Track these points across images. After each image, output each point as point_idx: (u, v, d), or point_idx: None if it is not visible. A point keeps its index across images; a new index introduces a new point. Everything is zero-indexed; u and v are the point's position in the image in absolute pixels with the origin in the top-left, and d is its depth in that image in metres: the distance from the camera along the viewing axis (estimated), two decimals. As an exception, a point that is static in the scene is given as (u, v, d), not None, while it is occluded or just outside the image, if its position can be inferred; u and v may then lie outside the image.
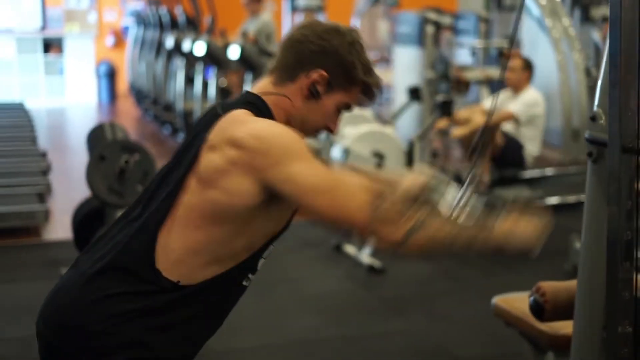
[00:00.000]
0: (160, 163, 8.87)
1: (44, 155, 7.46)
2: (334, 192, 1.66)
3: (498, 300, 2.98)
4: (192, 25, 8.98)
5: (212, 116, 1.76)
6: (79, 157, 9.06)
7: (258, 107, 1.78)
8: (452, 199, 1.88)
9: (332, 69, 1.79)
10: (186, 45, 7.87)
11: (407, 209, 1.68)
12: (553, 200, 6.00)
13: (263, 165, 1.65)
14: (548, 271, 4.49)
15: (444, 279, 5.00)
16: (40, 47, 13.70)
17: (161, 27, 9.76)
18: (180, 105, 8.43)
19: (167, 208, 1.71)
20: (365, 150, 5.19)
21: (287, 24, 14.73)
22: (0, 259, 5.27)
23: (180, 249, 1.69)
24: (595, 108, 2.06)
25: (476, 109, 6.05)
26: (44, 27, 13.89)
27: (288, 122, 1.80)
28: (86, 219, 4.64)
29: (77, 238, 4.65)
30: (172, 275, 1.68)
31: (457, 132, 5.57)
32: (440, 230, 1.70)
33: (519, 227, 1.76)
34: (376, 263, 5.05)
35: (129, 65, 12.67)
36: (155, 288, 1.68)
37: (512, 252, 1.77)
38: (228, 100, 1.85)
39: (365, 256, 5.14)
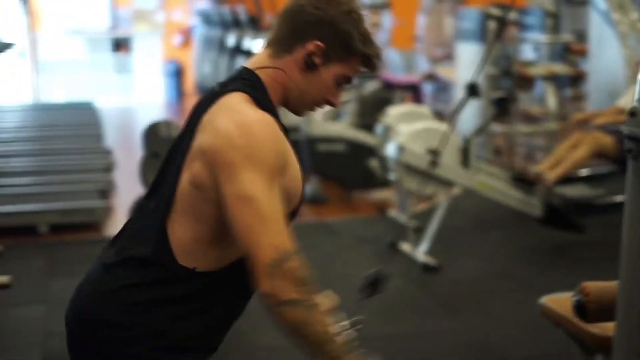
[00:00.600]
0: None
1: (108, 152, 7.58)
2: (262, 216, 1.60)
3: (546, 299, 2.91)
4: (254, 24, 9.02)
5: (211, 97, 1.73)
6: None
7: (252, 84, 1.73)
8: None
9: (329, 40, 1.74)
10: (246, 44, 7.90)
11: (308, 283, 1.65)
12: (618, 198, 5.86)
13: (222, 160, 1.61)
14: (609, 271, 4.39)
15: (499, 278, 4.92)
16: (110, 46, 13.95)
17: (225, 25, 9.83)
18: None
19: (170, 198, 1.71)
20: (420, 147, 5.13)
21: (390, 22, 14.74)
22: (61, 254, 5.37)
23: (189, 239, 1.69)
24: (635, 103, 1.99)
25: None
26: (113, 27, 14.14)
27: (285, 96, 1.77)
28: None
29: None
30: (187, 263, 1.68)
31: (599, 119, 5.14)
32: (319, 325, 1.67)
33: None
34: (431, 261, 5.00)
35: (195, 64, 12.80)
36: (172, 276, 1.68)
37: None
38: (227, 79, 1.80)
39: (420, 254, 5.10)
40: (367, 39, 1.77)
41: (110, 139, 9.46)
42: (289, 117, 6.05)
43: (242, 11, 9.17)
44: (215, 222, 1.66)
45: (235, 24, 9.11)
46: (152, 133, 4.93)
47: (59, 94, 13.54)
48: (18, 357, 3.93)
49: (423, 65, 11.11)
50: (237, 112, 1.65)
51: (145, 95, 13.92)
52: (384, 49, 13.76)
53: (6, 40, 11.35)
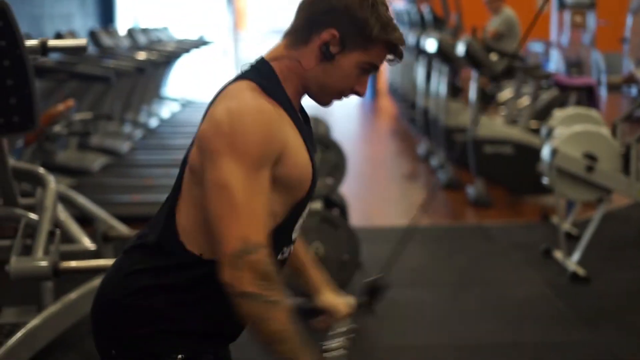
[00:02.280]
0: (394, 162, 8.91)
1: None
2: (233, 205, 1.59)
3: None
4: (438, 24, 8.94)
5: (223, 87, 1.74)
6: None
7: (262, 73, 1.72)
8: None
9: (344, 28, 1.69)
10: (423, 43, 7.87)
11: (270, 280, 1.61)
12: None
13: (209, 146, 1.62)
14: None
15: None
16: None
17: (412, 25, 9.81)
18: (420, 102, 8.43)
19: (178, 185, 1.74)
20: (576, 151, 4.89)
21: (554, 22, 14.27)
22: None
23: (192, 225, 1.70)
24: None
25: None
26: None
27: (305, 86, 1.74)
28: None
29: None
30: (194, 249, 1.70)
31: None
32: (276, 323, 1.61)
33: None
34: (581, 271, 4.76)
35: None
36: (179, 262, 1.70)
37: None
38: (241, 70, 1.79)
39: (571, 263, 4.87)
40: (385, 24, 1.71)
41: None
42: (459, 118, 5.96)
43: (427, 10, 9.12)
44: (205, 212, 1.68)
45: (422, 23, 9.06)
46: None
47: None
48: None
49: (629, 69, 10.57)
50: (233, 99, 1.65)
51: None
52: (587, 50, 13.28)
53: (209, 38, 11.94)
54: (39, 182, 3.74)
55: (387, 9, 1.74)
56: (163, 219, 1.74)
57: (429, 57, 7.90)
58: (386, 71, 13.33)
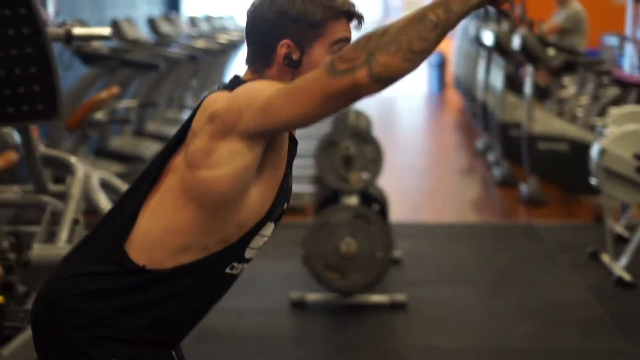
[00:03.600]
0: (451, 156, 8.79)
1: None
2: (295, 83, 1.58)
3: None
4: (504, 17, 8.74)
5: (201, 100, 1.70)
6: (396, 144, 9.33)
7: (240, 84, 1.68)
8: None
9: (291, 31, 1.65)
10: (482, 36, 7.71)
11: (352, 48, 1.51)
12: None
13: (235, 119, 1.59)
14: None
15: None
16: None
17: (479, 17, 9.63)
18: (480, 96, 8.27)
19: (148, 189, 1.69)
20: (627, 151, 4.71)
21: (630, 14, 13.84)
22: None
23: (150, 234, 1.66)
24: None
25: None
26: (384, 17, 14.39)
27: None
28: (325, 201, 4.72)
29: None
30: (139, 259, 1.66)
31: None
32: (395, 38, 1.50)
33: None
34: (627, 276, 4.58)
35: (455, 56, 12.69)
36: (122, 270, 1.66)
37: None
38: (220, 85, 1.76)
39: (617, 267, 4.69)
40: (323, 1, 1.66)
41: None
42: (511, 113, 5.80)
43: (490, 2, 8.93)
44: (205, 211, 1.64)
45: (484, 14, 8.88)
46: (341, 120, 4.95)
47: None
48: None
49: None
50: (216, 98, 1.65)
51: (408, 85, 14.02)
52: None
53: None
54: (68, 169, 3.75)
55: None
56: (120, 220, 1.69)
57: (488, 50, 7.73)
58: (452, 64, 13.15)
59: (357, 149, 4.36)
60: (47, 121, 3.34)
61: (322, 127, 6.55)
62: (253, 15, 1.70)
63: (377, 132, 10.24)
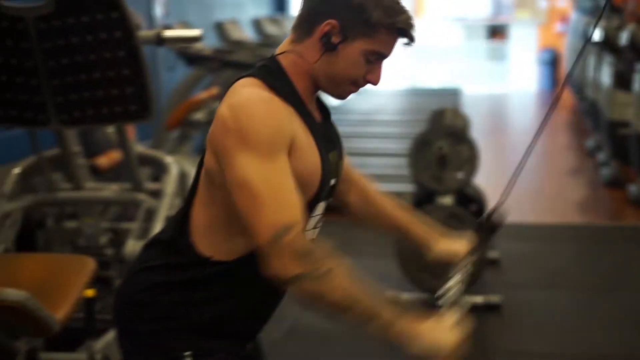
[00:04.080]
0: (559, 155, 8.55)
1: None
2: (256, 197, 1.54)
3: None
4: (616, 11, 8.47)
5: (229, 87, 1.70)
6: (503, 143, 9.20)
7: (269, 69, 1.66)
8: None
9: (343, 16, 1.61)
10: (592, 31, 7.48)
11: (311, 253, 1.54)
12: None
13: (220, 147, 1.58)
14: None
15: None
16: (485, 33, 14.00)
17: (587, 12, 9.37)
18: (590, 93, 8.04)
19: (194, 186, 1.72)
20: None
21: None
22: (356, 233, 5.54)
23: (204, 225, 1.68)
24: None
25: None
26: (494, 15, 14.16)
27: (315, 79, 1.68)
28: (421, 201, 4.68)
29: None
30: (203, 250, 1.68)
31: None
32: (336, 292, 1.54)
33: (432, 331, 1.60)
34: None
35: (567, 52, 12.38)
36: (189, 262, 1.68)
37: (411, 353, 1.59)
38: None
39: None
40: (389, 8, 1.62)
41: (476, 126, 9.53)
42: (621, 112, 5.63)
43: (603, -2, 8.67)
44: (226, 210, 1.64)
45: (595, 10, 8.63)
46: (438, 119, 4.90)
47: (433, 80, 13.90)
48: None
49: None
50: (235, 95, 1.61)
51: (519, 83, 13.77)
52: None
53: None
54: (162, 168, 3.85)
55: None
56: (179, 217, 1.73)
57: (597, 47, 7.51)
58: (565, 60, 12.83)
59: (452, 148, 4.30)
60: (139, 122, 3.41)
61: (418, 127, 6.52)
62: None
63: (485, 130, 10.19)
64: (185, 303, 1.69)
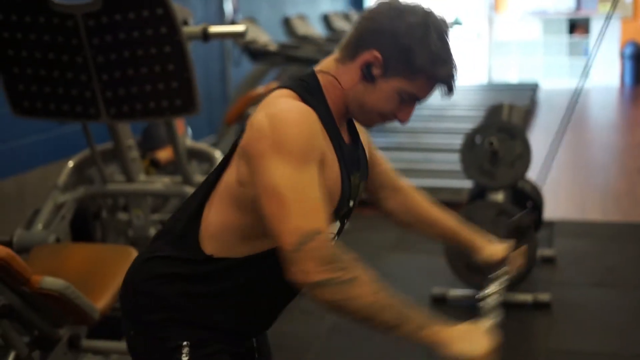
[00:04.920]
0: (636, 153, 8.33)
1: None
2: (284, 203, 1.55)
3: None
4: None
5: (265, 96, 1.73)
6: (580, 140, 9.03)
7: (306, 84, 1.69)
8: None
9: (389, 52, 1.63)
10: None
11: (336, 260, 1.55)
12: None
13: (253, 152, 1.60)
14: None
15: None
16: (565, 28, 13.73)
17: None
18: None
19: (214, 182, 1.74)
20: None
21: None
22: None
23: (217, 224, 1.71)
24: None
25: None
26: (576, 8, 13.87)
27: (346, 104, 1.70)
28: (475, 197, 4.65)
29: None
30: (206, 248, 1.71)
31: None
32: (360, 299, 1.55)
33: (464, 337, 1.59)
34: None
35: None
36: (193, 257, 1.72)
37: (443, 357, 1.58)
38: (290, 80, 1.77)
39: None
40: (435, 57, 1.63)
41: (551, 121, 9.39)
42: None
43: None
44: (250, 216, 1.67)
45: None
46: (493, 114, 4.85)
47: (511, 74, 13.71)
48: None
49: None
50: (272, 106, 1.63)
51: (601, 78, 13.46)
52: None
53: (460, 19, 11.89)
54: (212, 162, 3.93)
55: (442, 40, 1.65)
56: (192, 210, 1.77)
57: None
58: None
59: (504, 144, 4.25)
60: (185, 116, 3.50)
61: (472, 123, 6.46)
62: (382, 10, 1.68)
63: (577, 127, 9.99)
64: (185, 295, 1.73)
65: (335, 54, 1.73)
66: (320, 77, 1.72)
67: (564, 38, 13.76)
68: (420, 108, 10.49)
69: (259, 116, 1.62)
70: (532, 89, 11.91)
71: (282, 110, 1.61)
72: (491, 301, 1.86)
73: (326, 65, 1.74)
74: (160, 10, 3.25)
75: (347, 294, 1.55)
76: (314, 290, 1.56)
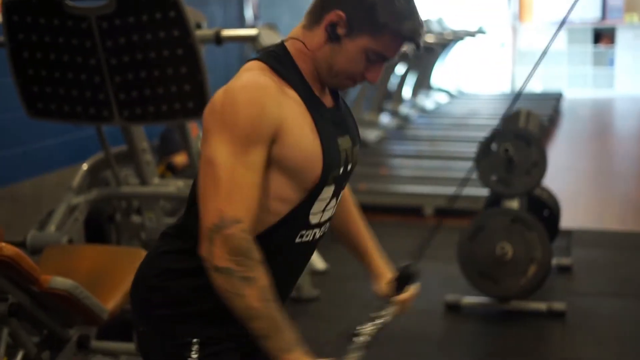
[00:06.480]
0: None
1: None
2: (216, 181, 1.57)
3: None
4: None
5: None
6: (603, 149, 8.97)
7: (276, 54, 1.69)
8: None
9: (352, 10, 1.63)
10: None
11: (245, 254, 1.59)
12: None
13: (205, 124, 1.63)
14: None
15: None
16: (590, 37, 13.64)
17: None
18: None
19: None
20: None
21: None
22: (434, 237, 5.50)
23: None
24: None
25: None
26: (602, 18, 13.79)
27: (316, 68, 1.69)
28: (490, 204, 4.62)
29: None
30: None
31: None
32: (245, 299, 1.60)
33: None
34: None
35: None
36: (196, 247, 1.70)
37: None
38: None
39: None
40: (399, 13, 1.63)
41: (575, 131, 9.36)
42: None
43: None
44: None
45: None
46: (509, 122, 4.82)
47: (535, 84, 13.63)
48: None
49: None
50: (234, 80, 1.65)
51: (627, 88, 13.37)
52: None
53: (488, 29, 11.84)
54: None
55: None
56: (190, 200, 1.77)
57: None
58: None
59: (519, 151, 4.22)
60: (197, 119, 3.50)
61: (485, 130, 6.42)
62: None
63: (585, 135, 9.92)
64: (194, 289, 1.72)
65: (302, 21, 1.73)
66: (289, 45, 1.71)
67: (588, 48, 13.67)
68: (441, 116, 10.48)
69: (220, 90, 1.65)
70: (556, 99, 11.84)
71: (236, 87, 1.62)
72: (362, 339, 1.86)
73: (294, 32, 1.73)
74: (172, 13, 3.27)
75: (237, 290, 1.60)
76: (213, 272, 1.61)
